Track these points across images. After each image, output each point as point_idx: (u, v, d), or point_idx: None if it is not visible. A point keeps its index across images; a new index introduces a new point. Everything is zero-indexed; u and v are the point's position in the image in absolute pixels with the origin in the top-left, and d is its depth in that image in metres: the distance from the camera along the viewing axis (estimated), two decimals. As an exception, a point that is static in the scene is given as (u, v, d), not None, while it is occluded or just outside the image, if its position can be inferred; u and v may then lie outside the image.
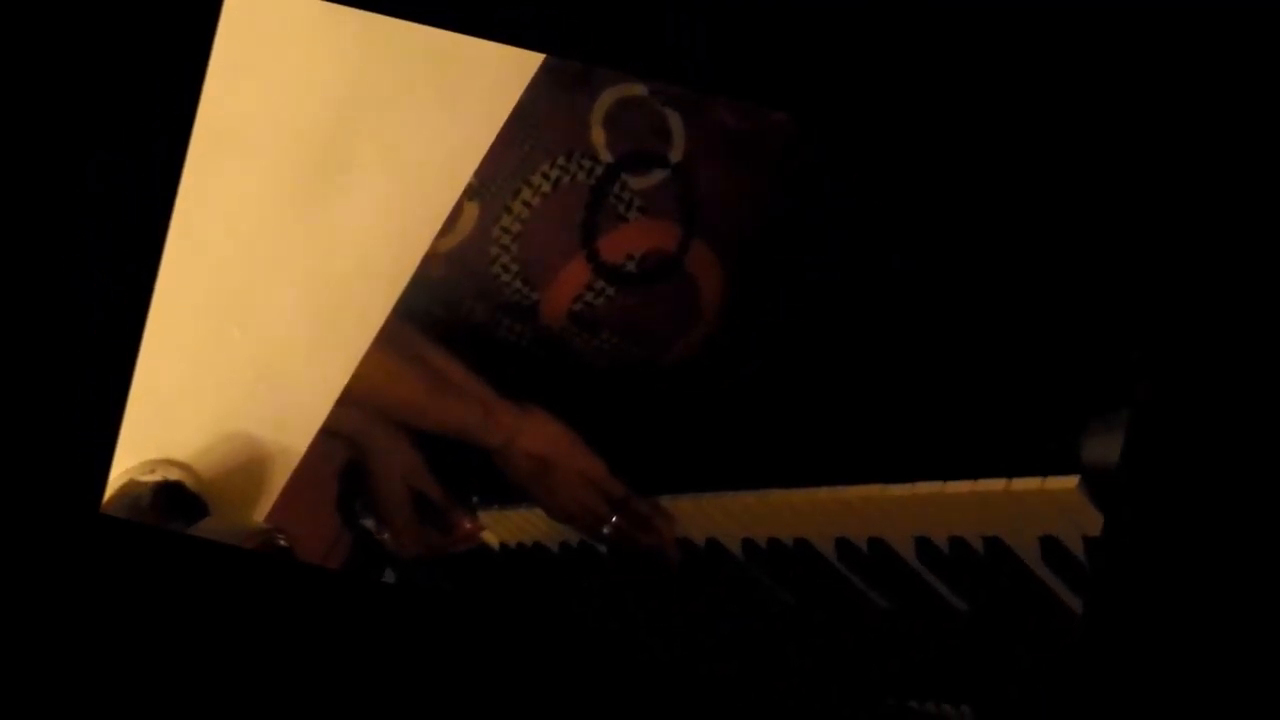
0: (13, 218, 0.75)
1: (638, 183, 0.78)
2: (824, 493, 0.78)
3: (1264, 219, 0.75)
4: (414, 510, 0.79)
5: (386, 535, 0.79)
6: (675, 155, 0.78)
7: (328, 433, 0.78)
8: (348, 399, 0.78)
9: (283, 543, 0.78)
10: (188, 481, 0.78)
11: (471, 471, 0.79)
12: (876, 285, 0.78)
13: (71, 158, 0.75)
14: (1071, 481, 0.76)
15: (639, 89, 0.78)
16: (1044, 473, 0.76)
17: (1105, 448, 0.77)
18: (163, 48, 0.76)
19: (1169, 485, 0.77)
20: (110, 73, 0.75)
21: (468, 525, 0.78)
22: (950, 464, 0.77)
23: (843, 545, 0.78)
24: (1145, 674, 0.76)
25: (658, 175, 0.78)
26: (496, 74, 0.78)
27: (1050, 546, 0.77)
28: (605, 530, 0.78)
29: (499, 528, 0.79)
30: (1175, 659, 0.76)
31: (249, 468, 0.78)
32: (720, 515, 0.79)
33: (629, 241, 0.78)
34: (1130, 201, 0.77)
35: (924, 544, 0.78)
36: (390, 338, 0.78)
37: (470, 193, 0.78)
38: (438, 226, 0.78)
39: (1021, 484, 0.76)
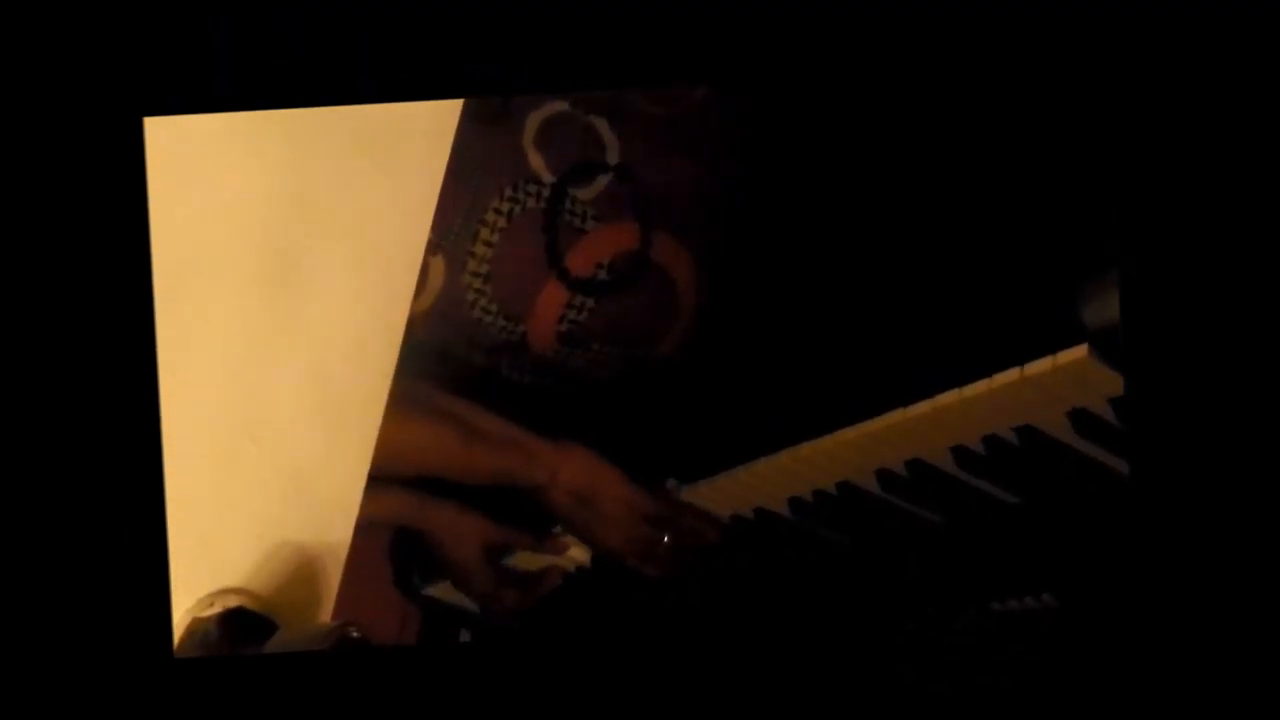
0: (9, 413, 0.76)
1: (585, 193, 0.78)
2: (850, 432, 0.78)
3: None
4: (494, 569, 0.79)
5: (477, 601, 0.79)
6: (613, 158, 0.78)
7: (373, 519, 0.79)
8: (384, 474, 0.78)
9: (356, 634, 0.78)
10: (248, 604, 0.78)
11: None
12: (837, 218, 0.79)
13: (41, 334, 0.76)
14: (1081, 350, 0.77)
15: (560, 105, 0.78)
16: (1053, 350, 0.77)
17: (1104, 308, 0.77)
18: (99, 198, 0.77)
19: (1177, 327, 0.78)
20: (54, 239, 0.76)
21: (559, 552, 0.79)
22: (962, 371, 0.77)
23: (884, 476, 0.79)
24: (1194, 517, 0.77)
25: (602, 181, 0.78)
26: (424, 130, 0.78)
27: (1080, 418, 0.77)
28: (658, 553, 0.79)
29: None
30: (1218, 500, 0.77)
31: (302, 573, 0.79)
32: (760, 482, 0.79)
33: (594, 251, 0.79)
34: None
35: (960, 452, 0.78)
36: (406, 399, 0.78)
37: (432, 248, 0.78)
38: (411, 289, 0.78)
39: (1035, 367, 0.77)
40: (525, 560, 0.79)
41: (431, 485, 0.79)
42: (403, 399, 0.78)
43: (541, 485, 0.78)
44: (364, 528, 0.78)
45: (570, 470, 0.78)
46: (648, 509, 0.79)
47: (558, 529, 0.79)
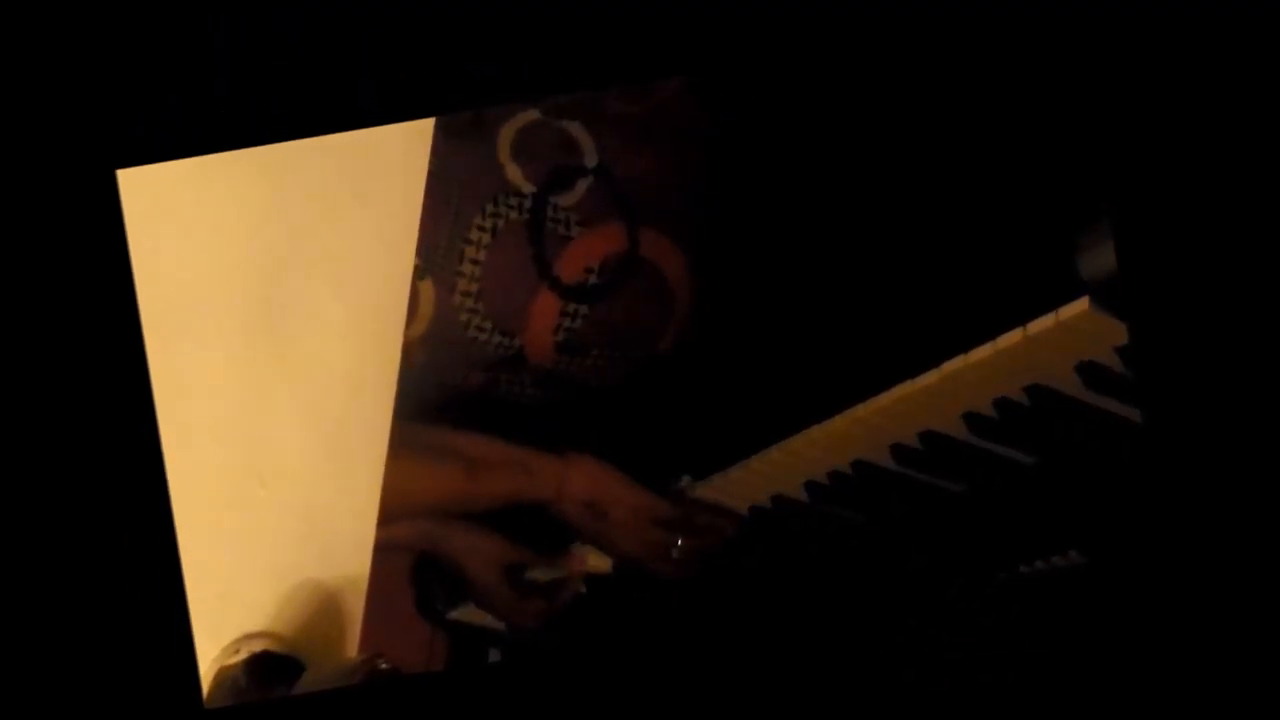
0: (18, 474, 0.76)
1: (567, 200, 0.78)
2: (860, 409, 0.78)
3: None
4: (514, 587, 0.79)
5: (501, 619, 0.79)
6: (590, 160, 0.78)
7: (389, 549, 0.78)
8: (391, 515, 0.78)
9: (385, 665, 0.78)
10: (273, 647, 0.78)
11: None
12: (823, 196, 0.78)
13: (35, 396, 0.76)
14: (1082, 303, 0.76)
15: (532, 114, 0.78)
16: (1054, 307, 0.76)
17: (1100, 258, 0.77)
18: (80, 257, 0.76)
19: (1175, 269, 0.77)
20: (38, 302, 0.76)
21: (576, 567, 0.78)
22: (966, 337, 0.77)
23: (899, 450, 0.78)
24: (1211, 461, 0.77)
25: (582, 185, 0.78)
26: (398, 153, 0.78)
27: (1088, 372, 0.77)
28: (674, 554, 0.79)
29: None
30: (1234, 439, 0.77)
31: (324, 610, 0.79)
32: (775, 470, 0.79)
33: (582, 256, 0.78)
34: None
35: (972, 418, 0.78)
36: (404, 442, 0.78)
37: (420, 273, 0.78)
38: (402, 317, 0.78)
39: (1037, 325, 0.76)
40: (545, 570, 0.79)
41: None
42: (402, 443, 0.78)
43: (550, 500, 0.78)
44: (382, 557, 0.78)
45: (577, 482, 0.78)
46: (658, 512, 0.78)
47: (575, 544, 0.78)
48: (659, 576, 0.79)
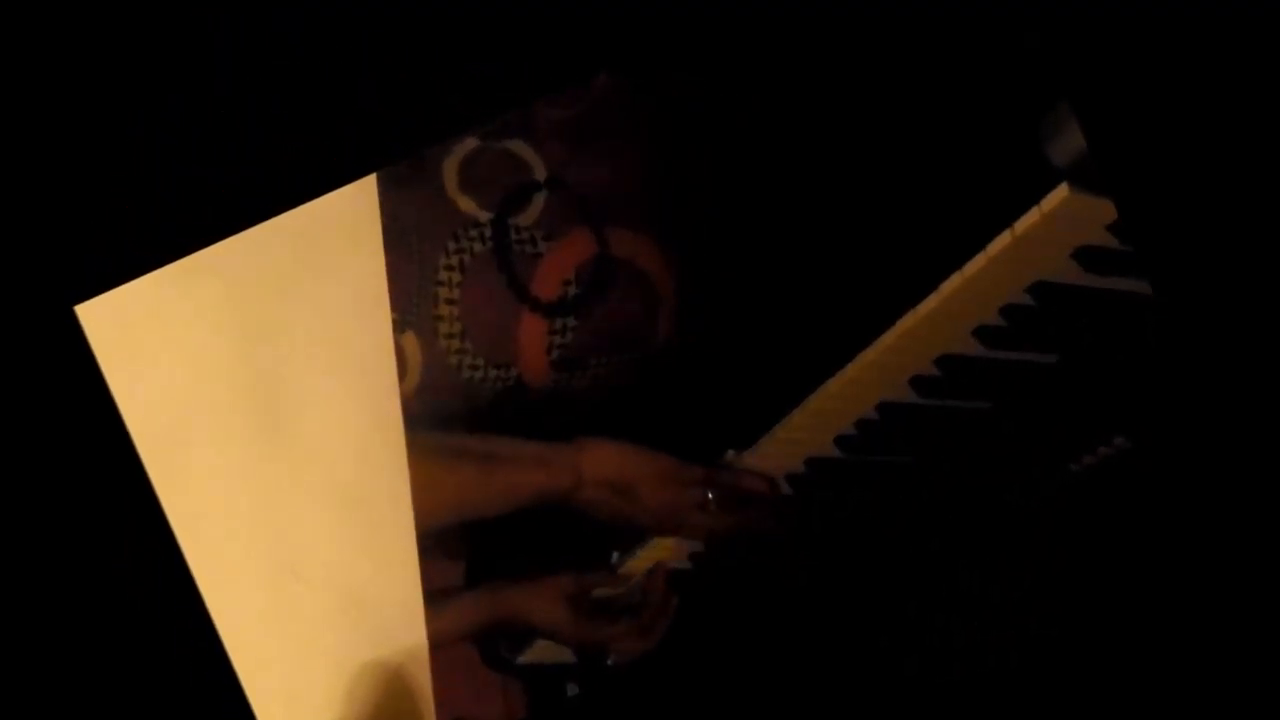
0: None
1: (526, 218, 0.77)
2: (870, 352, 0.77)
3: None
4: (589, 614, 0.78)
5: (589, 650, 0.78)
6: (540, 174, 0.77)
7: (448, 641, 0.77)
8: (423, 530, 0.76)
9: (467, 726, 0.77)
10: (352, 736, 0.77)
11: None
12: (779, 150, 0.77)
13: (51, 553, 0.75)
14: (1062, 190, 0.75)
15: (471, 142, 0.77)
16: (1035, 201, 0.76)
17: (1067, 141, 0.76)
18: (58, 401, 0.75)
19: (1145, 133, 0.77)
20: (24, 458, 0.75)
21: (640, 566, 0.77)
22: (956, 254, 0.76)
23: (918, 383, 0.77)
24: (1227, 316, 0.76)
25: (539, 200, 0.77)
26: (348, 217, 0.76)
27: (1086, 256, 0.76)
28: (709, 507, 0.77)
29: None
30: (1248, 294, 0.76)
31: (393, 688, 0.77)
32: (801, 434, 0.78)
33: (555, 271, 0.77)
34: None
35: (983, 332, 0.77)
36: (416, 451, 0.76)
37: (399, 327, 0.76)
38: (394, 376, 0.76)
39: (1022, 223, 0.76)
40: (611, 584, 0.77)
41: (485, 570, 0.77)
42: (413, 453, 0.76)
43: (571, 488, 0.76)
44: (444, 633, 0.76)
45: (594, 464, 0.76)
46: (685, 474, 0.77)
47: (615, 556, 0.77)
48: (701, 537, 0.77)
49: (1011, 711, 0.75)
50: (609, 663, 0.78)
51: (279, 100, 0.76)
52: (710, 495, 0.77)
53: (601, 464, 0.77)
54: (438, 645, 0.77)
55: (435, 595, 0.77)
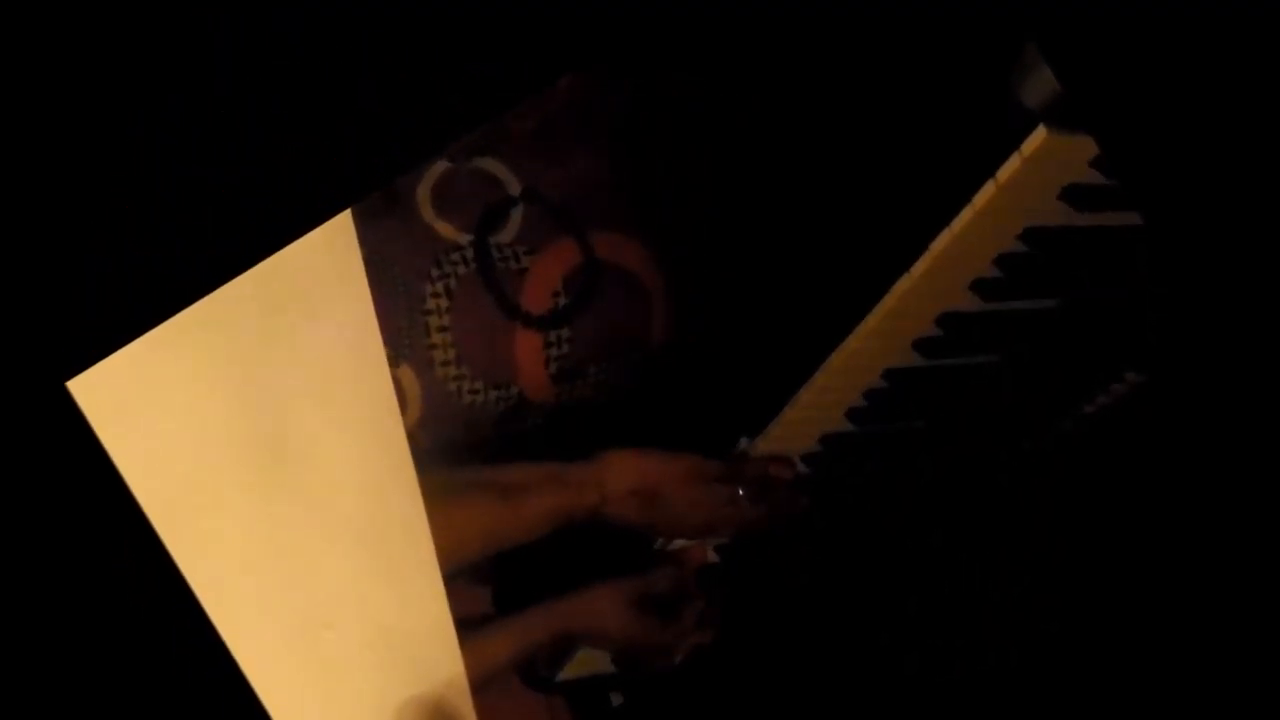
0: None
1: (506, 234, 0.76)
2: (871, 320, 0.76)
3: None
4: (659, 615, 0.77)
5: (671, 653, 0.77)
6: (514, 188, 0.76)
7: (522, 656, 0.76)
8: (455, 570, 0.75)
9: (516, 750, 0.77)
10: (403, 777, 0.76)
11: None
12: (752, 132, 0.77)
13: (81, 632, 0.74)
14: (1040, 132, 0.75)
15: (441, 165, 0.76)
16: (1015, 146, 0.75)
17: (1039, 82, 0.76)
18: (64, 481, 0.75)
19: (1116, 63, 0.76)
20: (38, 542, 0.74)
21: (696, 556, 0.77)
22: (942, 211, 0.76)
23: (922, 344, 0.77)
24: (1220, 237, 0.76)
25: (516, 215, 0.76)
26: (328, 257, 0.76)
27: (1073, 195, 0.76)
28: (742, 507, 0.77)
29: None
30: (1239, 215, 0.76)
31: (436, 721, 0.77)
32: (811, 412, 0.77)
33: (542, 283, 0.76)
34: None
35: (980, 284, 0.76)
36: (434, 490, 0.75)
37: (394, 361, 0.76)
38: (396, 411, 0.76)
39: (1005, 170, 0.75)
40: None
41: (514, 591, 0.76)
42: (428, 494, 0.75)
43: (596, 505, 0.76)
44: (488, 664, 0.76)
45: (616, 476, 0.76)
46: (708, 470, 0.76)
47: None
48: (734, 532, 0.76)
49: (1011, 710, 0.75)
50: (675, 661, 0.77)
51: (261, 130, 0.75)
52: (741, 493, 0.77)
53: (624, 475, 0.76)
54: (493, 672, 0.76)
55: (448, 561, 0.75)
